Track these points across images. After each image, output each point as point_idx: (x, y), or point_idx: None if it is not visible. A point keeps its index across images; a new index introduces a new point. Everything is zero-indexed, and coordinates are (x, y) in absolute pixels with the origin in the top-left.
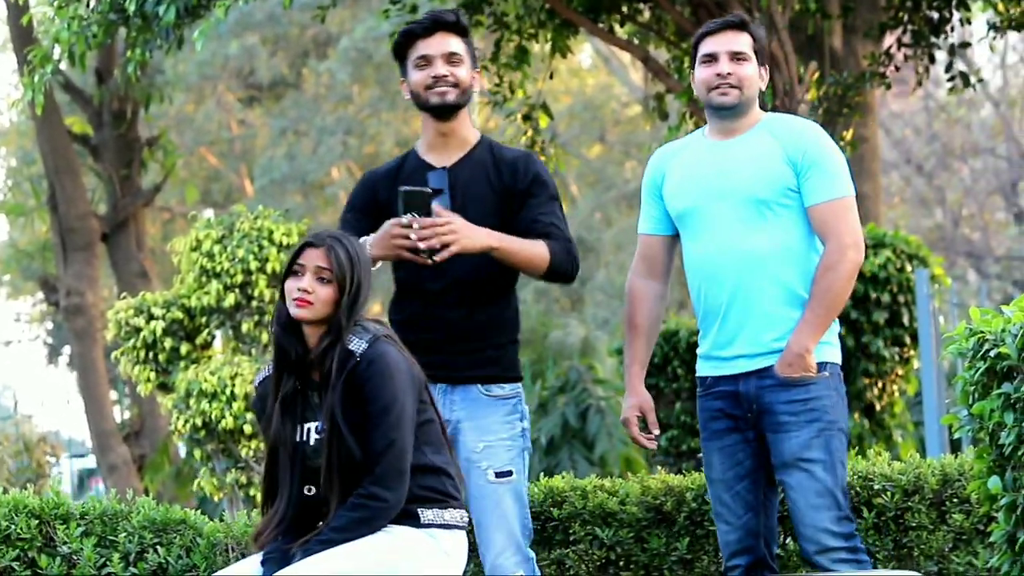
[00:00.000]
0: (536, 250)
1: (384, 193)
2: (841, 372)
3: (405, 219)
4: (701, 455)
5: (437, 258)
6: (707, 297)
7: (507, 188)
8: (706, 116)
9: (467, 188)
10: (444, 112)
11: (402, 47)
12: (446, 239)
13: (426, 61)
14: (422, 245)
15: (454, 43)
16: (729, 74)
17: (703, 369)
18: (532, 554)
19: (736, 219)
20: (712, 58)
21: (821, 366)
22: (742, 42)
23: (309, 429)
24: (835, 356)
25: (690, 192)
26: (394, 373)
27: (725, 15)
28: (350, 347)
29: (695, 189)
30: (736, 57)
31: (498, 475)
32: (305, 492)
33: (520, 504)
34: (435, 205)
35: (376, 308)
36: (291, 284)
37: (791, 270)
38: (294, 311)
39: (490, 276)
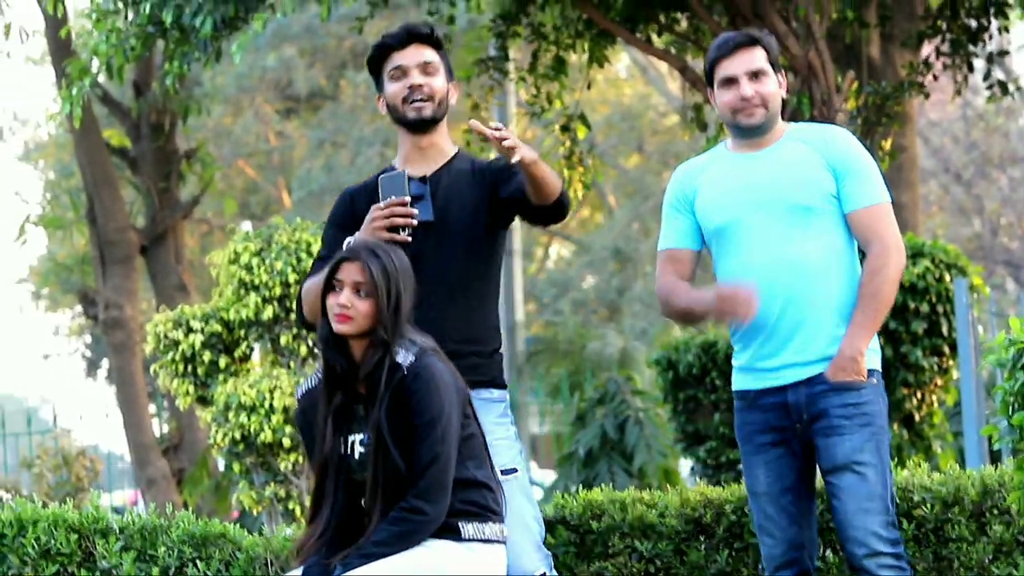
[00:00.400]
0: (556, 179)
1: (363, 207)
2: (883, 379)
3: (383, 203)
4: (741, 467)
5: (515, 158)
6: None
7: (487, 191)
8: (730, 134)
9: (448, 195)
10: (421, 127)
11: (376, 60)
12: (511, 143)
13: (401, 72)
14: (399, 221)
15: (429, 54)
16: (752, 95)
17: (744, 383)
18: (548, 552)
19: (781, 228)
20: (732, 81)
21: (869, 372)
22: (758, 59)
23: (354, 442)
24: (878, 363)
25: (728, 205)
26: (440, 387)
27: (763, 25)
28: (397, 359)
29: (733, 202)
30: (755, 76)
31: (504, 473)
32: (350, 505)
33: (531, 501)
34: (417, 209)
35: None
36: (331, 300)
37: (838, 276)
38: (336, 327)
39: (462, 280)
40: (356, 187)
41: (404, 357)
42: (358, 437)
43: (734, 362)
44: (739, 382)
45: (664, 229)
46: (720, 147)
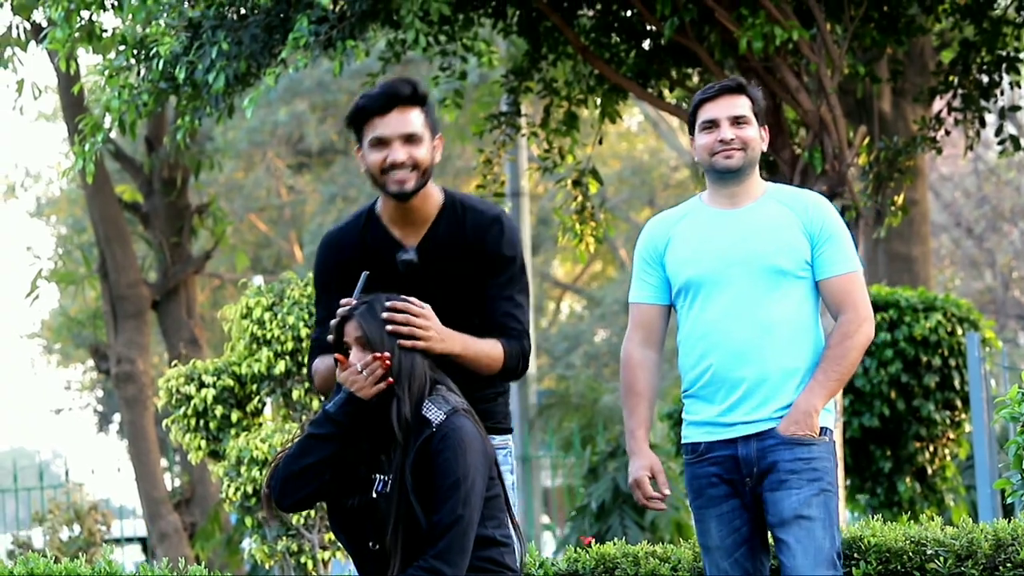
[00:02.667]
0: (493, 355)
1: (355, 262)
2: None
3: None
4: (694, 522)
5: (409, 344)
6: (711, 364)
7: (476, 263)
8: (707, 182)
9: (437, 266)
10: (403, 199)
11: (356, 121)
12: (421, 333)
13: (383, 143)
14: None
15: (413, 119)
16: (732, 139)
17: (694, 435)
18: None
19: (752, 287)
20: (713, 124)
21: (822, 430)
22: (741, 105)
23: (374, 480)
24: (832, 423)
25: (702, 260)
26: (468, 449)
27: (775, 79)
28: (427, 415)
29: (708, 257)
30: (737, 121)
31: None
32: (370, 546)
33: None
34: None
35: None
36: (348, 361)
37: (801, 341)
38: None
39: (463, 328)
40: (342, 239)
41: (435, 415)
42: (379, 477)
43: (685, 416)
44: (689, 435)
45: (634, 281)
46: (695, 200)
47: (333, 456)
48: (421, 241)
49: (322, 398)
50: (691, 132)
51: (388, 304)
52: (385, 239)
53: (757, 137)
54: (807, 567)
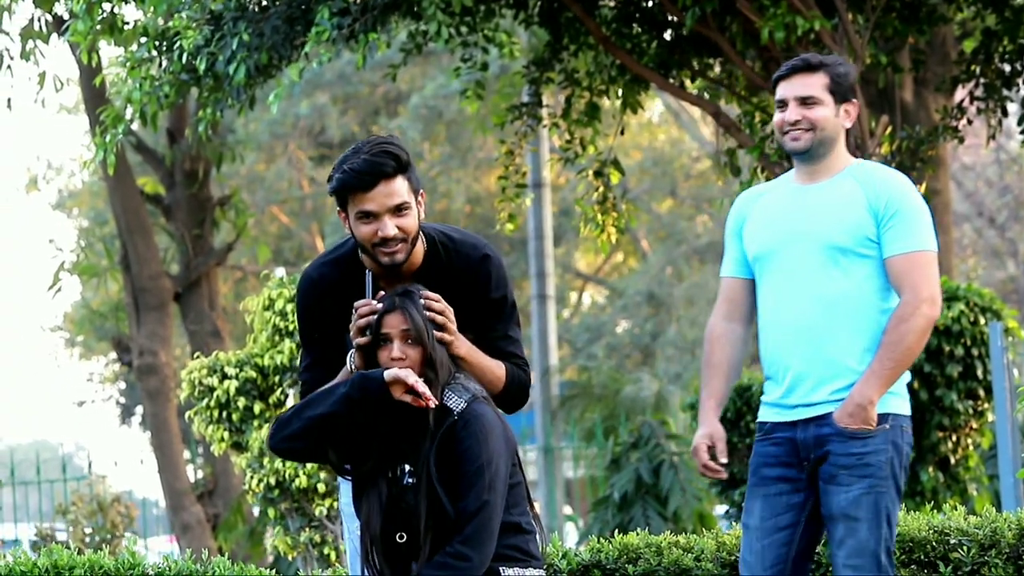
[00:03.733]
0: (497, 371)
1: (337, 308)
2: (910, 424)
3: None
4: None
5: (439, 335)
6: (775, 342)
7: (466, 303)
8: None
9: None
10: (395, 268)
11: (339, 194)
12: (450, 327)
13: (371, 218)
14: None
15: (398, 189)
16: (797, 121)
17: (765, 415)
18: None
19: (812, 264)
20: (783, 104)
21: (883, 417)
22: (811, 85)
23: (402, 469)
24: (900, 407)
25: (767, 235)
26: (490, 435)
27: None
28: (448, 403)
29: (773, 232)
30: (804, 101)
31: None
32: (397, 539)
33: None
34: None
35: None
36: (383, 356)
37: (862, 320)
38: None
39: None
40: (324, 285)
41: (456, 403)
42: (407, 467)
43: (763, 396)
44: (762, 414)
45: (724, 256)
46: (785, 176)
47: (333, 420)
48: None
49: None
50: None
51: (424, 294)
52: (372, 287)
53: (830, 116)
54: (846, 568)
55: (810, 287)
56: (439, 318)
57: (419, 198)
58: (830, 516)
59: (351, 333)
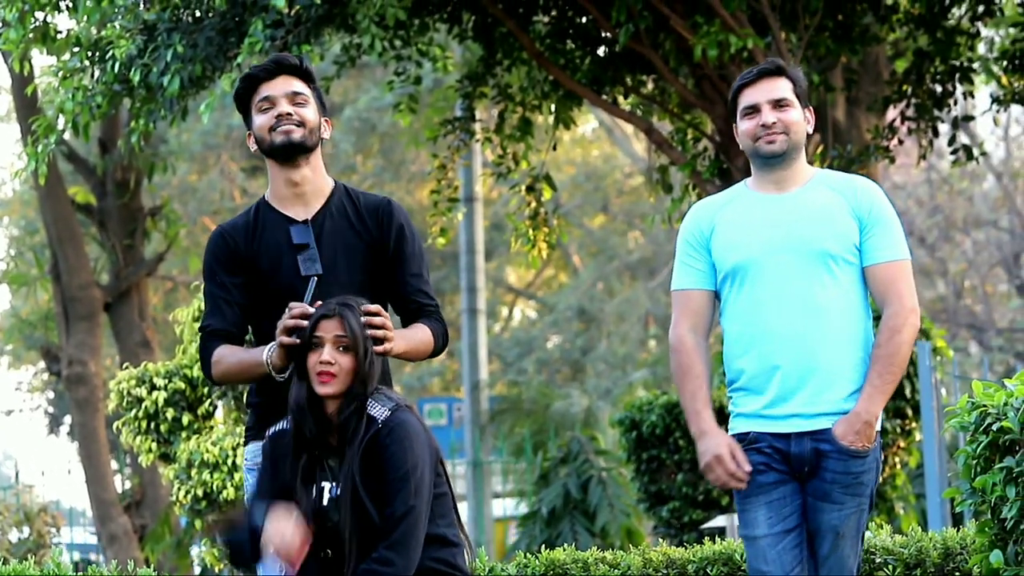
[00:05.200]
0: (427, 341)
1: (245, 248)
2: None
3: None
4: (738, 513)
5: (380, 349)
6: (759, 351)
7: (373, 240)
8: (753, 168)
9: (333, 240)
10: (291, 153)
11: (245, 93)
12: (388, 335)
13: (269, 103)
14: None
15: (298, 85)
16: (774, 123)
17: (745, 425)
18: None
19: (800, 272)
20: (754, 109)
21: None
22: (782, 88)
23: (323, 489)
24: (878, 423)
25: (748, 244)
26: (415, 442)
27: (729, 86)
28: (372, 413)
29: (755, 242)
30: (778, 104)
31: None
32: (322, 555)
33: None
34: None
35: None
36: (312, 359)
37: (852, 328)
38: (319, 388)
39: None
40: (232, 227)
41: (379, 411)
42: (327, 485)
43: (732, 408)
44: (737, 425)
45: (678, 269)
46: (740, 186)
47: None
48: (315, 215)
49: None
50: (732, 119)
51: (364, 308)
52: (276, 219)
53: (801, 120)
54: None
55: (799, 295)
56: (379, 332)
57: (324, 116)
58: (817, 530)
59: (277, 330)
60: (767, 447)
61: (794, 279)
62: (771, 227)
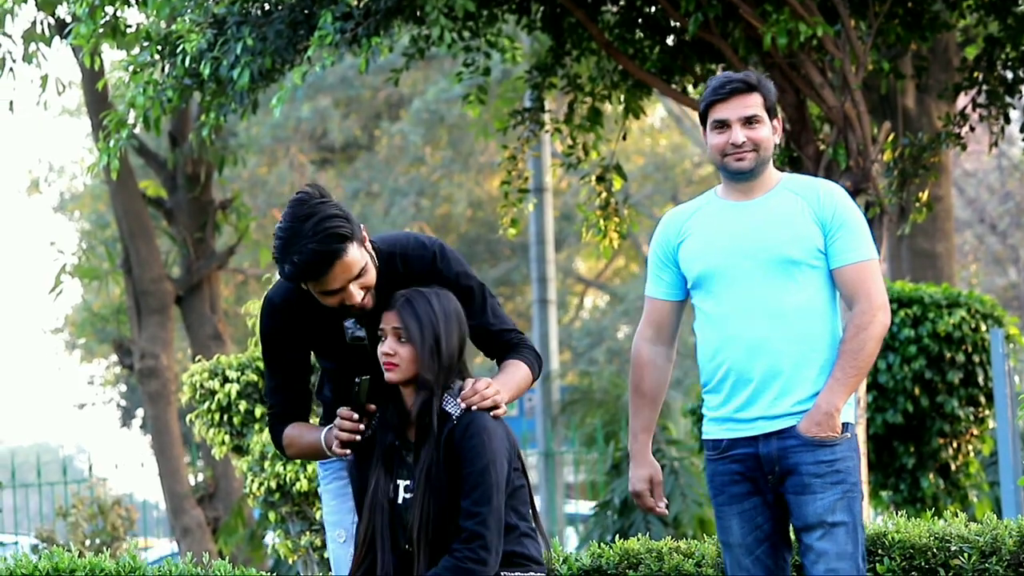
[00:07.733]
0: (528, 377)
1: (302, 326)
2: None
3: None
4: (715, 518)
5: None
6: (725, 358)
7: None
8: (721, 179)
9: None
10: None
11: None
12: (498, 399)
13: (333, 293)
14: (346, 437)
15: (352, 260)
16: (744, 143)
17: (716, 432)
18: None
19: (763, 278)
20: (724, 124)
21: (844, 426)
22: (752, 104)
23: (398, 487)
24: (850, 416)
25: (713, 253)
26: (491, 436)
27: (800, 75)
28: (447, 408)
29: (718, 249)
30: (748, 122)
31: None
32: (404, 548)
33: None
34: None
35: None
36: (379, 350)
37: (819, 331)
38: (387, 375)
39: None
40: (277, 301)
41: (455, 407)
42: (404, 483)
43: (705, 411)
44: (710, 431)
45: (648, 276)
46: (710, 193)
47: None
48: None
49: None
50: (703, 126)
51: (466, 390)
52: (352, 330)
53: (769, 136)
54: (830, 572)
55: (763, 302)
56: (487, 403)
57: (368, 249)
58: (805, 527)
59: (334, 444)
60: (740, 454)
61: (758, 285)
62: (733, 235)
